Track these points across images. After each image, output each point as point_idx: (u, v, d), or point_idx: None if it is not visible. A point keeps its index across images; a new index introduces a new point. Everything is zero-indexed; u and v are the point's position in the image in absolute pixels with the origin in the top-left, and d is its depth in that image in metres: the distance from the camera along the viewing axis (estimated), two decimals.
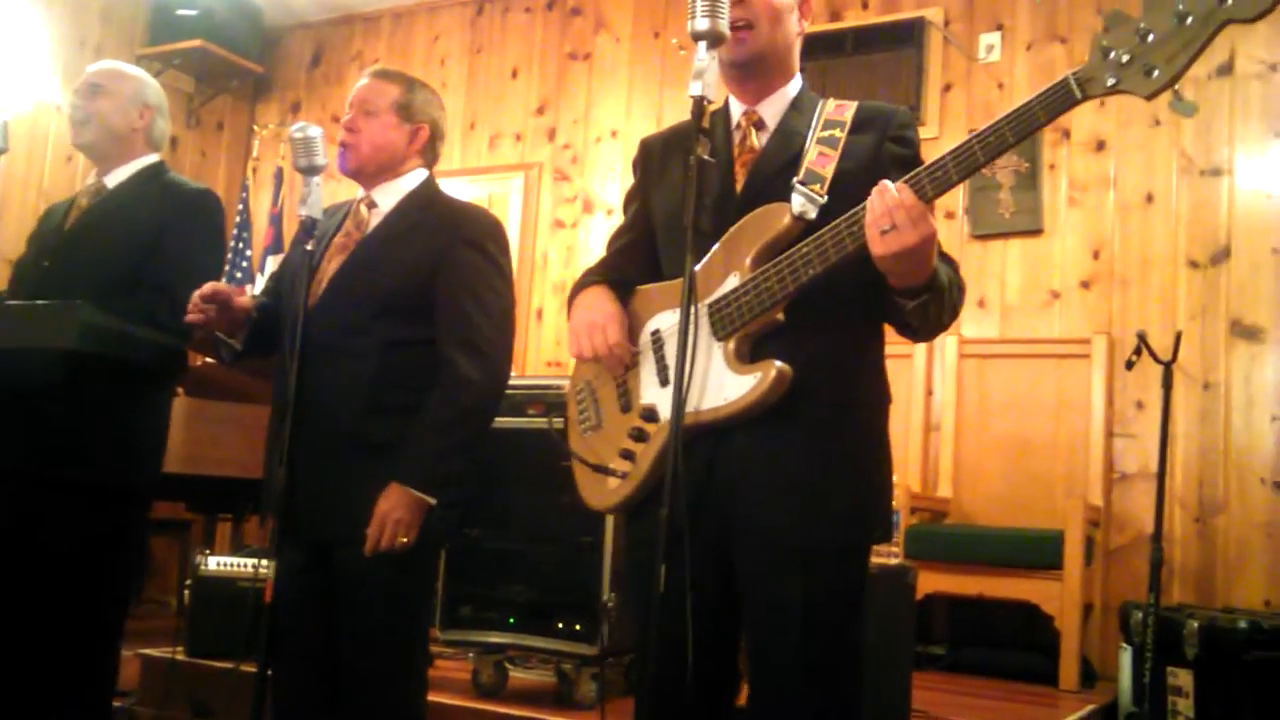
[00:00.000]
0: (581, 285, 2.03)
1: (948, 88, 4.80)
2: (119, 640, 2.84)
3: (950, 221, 4.63)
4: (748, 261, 1.78)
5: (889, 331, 1.89)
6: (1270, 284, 4.14)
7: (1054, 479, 4.32)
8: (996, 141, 1.59)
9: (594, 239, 5.52)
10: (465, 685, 3.39)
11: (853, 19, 4.99)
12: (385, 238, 2.43)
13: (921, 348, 4.55)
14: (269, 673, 2.25)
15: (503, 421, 2.63)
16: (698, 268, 1.80)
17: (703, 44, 1.68)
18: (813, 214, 1.76)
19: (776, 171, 1.85)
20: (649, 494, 1.83)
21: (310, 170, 2.35)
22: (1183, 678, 3.48)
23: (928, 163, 1.63)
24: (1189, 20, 1.48)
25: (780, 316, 1.76)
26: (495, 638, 3.38)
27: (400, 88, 2.51)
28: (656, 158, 2.06)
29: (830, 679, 1.76)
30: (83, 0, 5.77)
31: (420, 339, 2.36)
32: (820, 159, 1.82)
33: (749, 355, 1.77)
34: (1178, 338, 3.69)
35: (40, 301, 2.66)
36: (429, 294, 2.37)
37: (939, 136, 4.65)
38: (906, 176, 1.63)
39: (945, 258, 1.80)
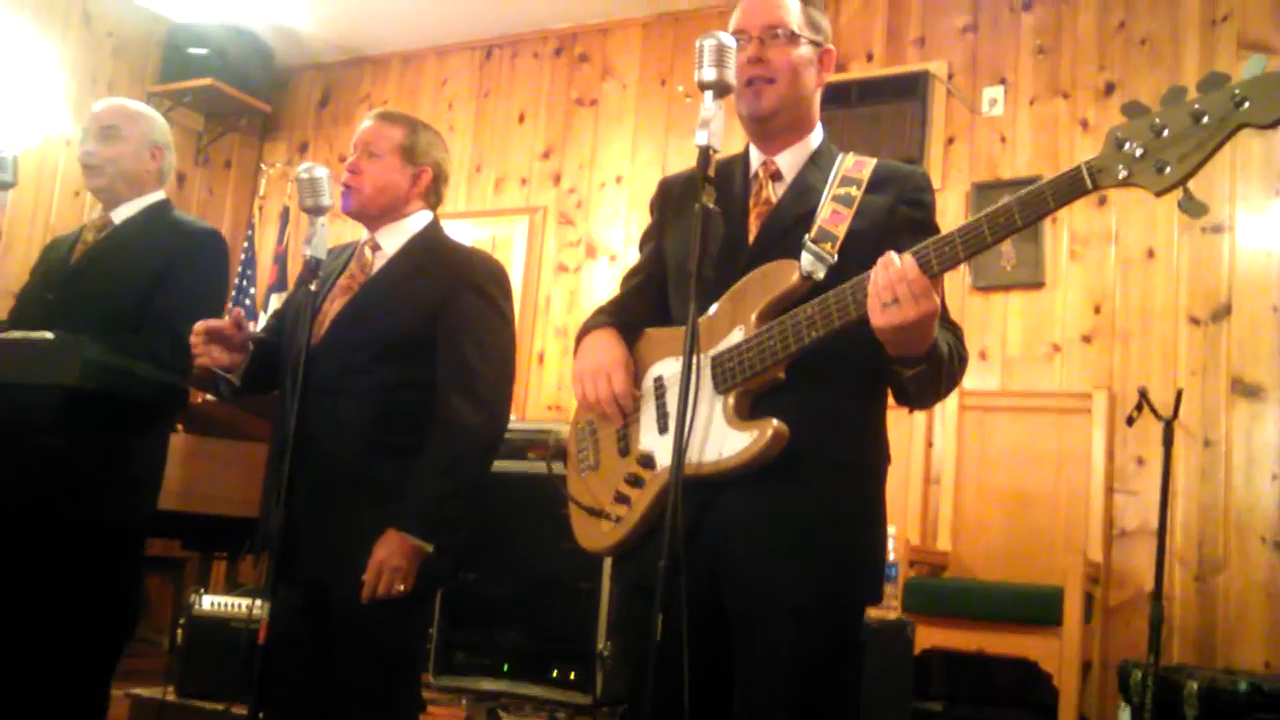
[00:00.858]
0: (590, 326, 2.03)
1: (951, 140, 4.83)
2: (109, 679, 2.81)
3: (952, 273, 4.64)
4: (753, 317, 1.78)
5: None
6: (1271, 342, 4.14)
7: (1054, 534, 4.29)
8: (1005, 223, 1.59)
9: (597, 283, 5.54)
10: None
11: (857, 71, 5.03)
12: (389, 281, 2.44)
13: None
14: (260, 715, 2.23)
15: (502, 465, 2.62)
16: (704, 318, 1.80)
17: (709, 93, 1.69)
18: (821, 274, 1.76)
19: (789, 225, 1.85)
20: (640, 540, 1.83)
21: (316, 210, 2.36)
22: None
23: (937, 237, 1.63)
24: (1204, 120, 1.49)
25: (781, 375, 1.76)
26: (488, 684, 3.36)
27: (404, 130, 2.53)
28: (674, 200, 2.07)
29: None
30: (95, 37, 5.82)
31: (421, 381, 2.36)
32: (833, 217, 1.83)
33: (749, 411, 1.77)
34: (1179, 395, 3.69)
35: (42, 336, 2.66)
36: (430, 337, 2.37)
37: (941, 188, 4.67)
38: (913, 249, 1.62)
39: (949, 325, 1.81)
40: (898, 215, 1.84)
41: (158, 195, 2.98)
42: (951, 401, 4.54)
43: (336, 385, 2.33)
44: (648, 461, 1.85)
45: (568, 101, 5.84)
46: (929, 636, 3.86)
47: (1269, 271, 4.19)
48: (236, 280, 5.89)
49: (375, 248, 2.50)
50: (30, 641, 2.65)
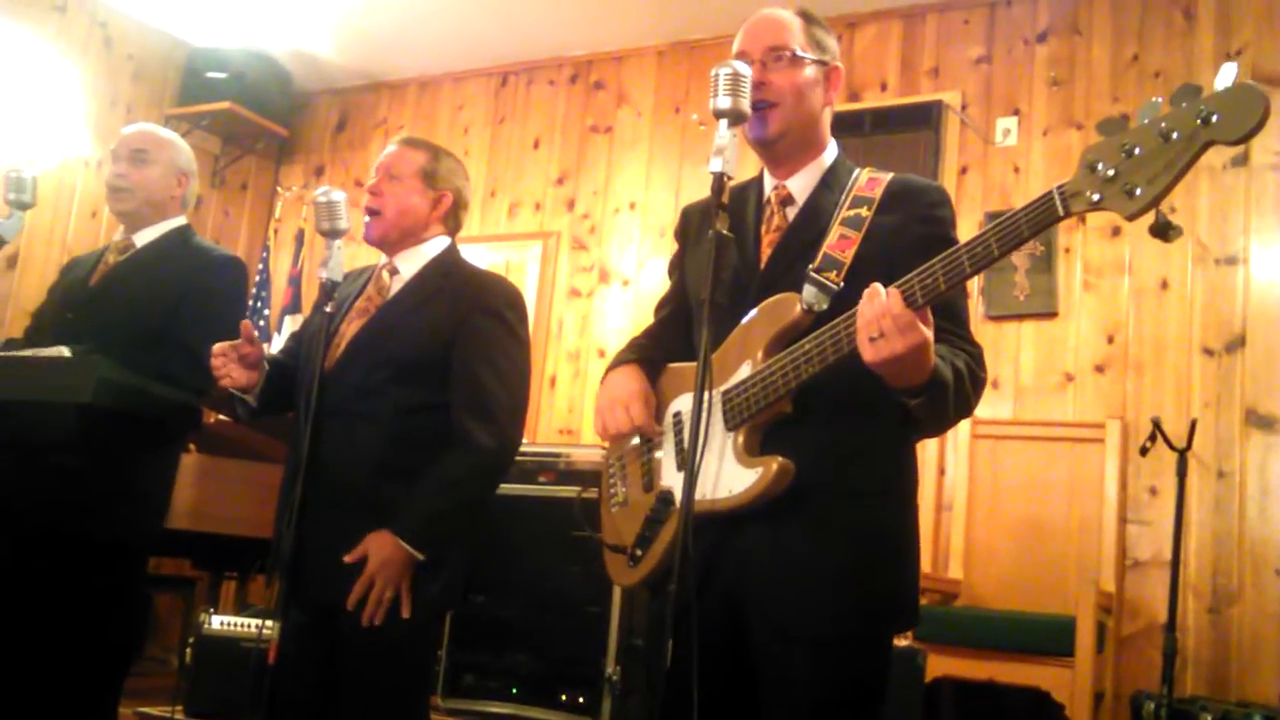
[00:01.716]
0: (614, 364, 2.03)
1: (964, 170, 4.84)
2: (116, 696, 2.82)
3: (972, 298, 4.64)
4: (760, 352, 1.78)
5: None
6: None
7: (1066, 563, 4.27)
8: (984, 254, 1.55)
9: (610, 308, 5.55)
10: None
11: (871, 100, 5.05)
12: (405, 304, 2.45)
13: None
14: None
15: (513, 488, 2.63)
16: (717, 352, 1.80)
17: (724, 121, 1.70)
18: (824, 305, 1.75)
19: (799, 251, 1.85)
20: (665, 574, 1.82)
21: (332, 234, 2.38)
22: None
23: (921, 268, 1.59)
24: (1174, 137, 1.43)
25: (787, 408, 1.75)
26: (497, 708, 3.35)
27: (426, 155, 2.56)
28: (694, 227, 2.07)
29: None
30: (116, 60, 5.88)
31: (435, 405, 2.37)
32: (840, 242, 1.81)
33: (759, 446, 1.76)
34: (1193, 425, 3.68)
35: (59, 353, 2.68)
36: (445, 360, 2.38)
37: (952, 203, 4.67)
38: (898, 282, 1.59)
39: (967, 346, 1.78)
40: (909, 234, 1.81)
41: (179, 220, 3.02)
42: (964, 430, 4.53)
43: (350, 407, 2.35)
44: (667, 498, 1.85)
45: (582, 128, 5.87)
46: (940, 665, 3.84)
47: None
48: (251, 302, 5.92)
49: (393, 271, 2.52)
50: (37, 657, 2.66)
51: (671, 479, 1.86)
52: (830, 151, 1.97)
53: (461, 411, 2.36)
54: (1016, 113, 4.80)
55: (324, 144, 6.64)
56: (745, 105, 1.72)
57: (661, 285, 2.25)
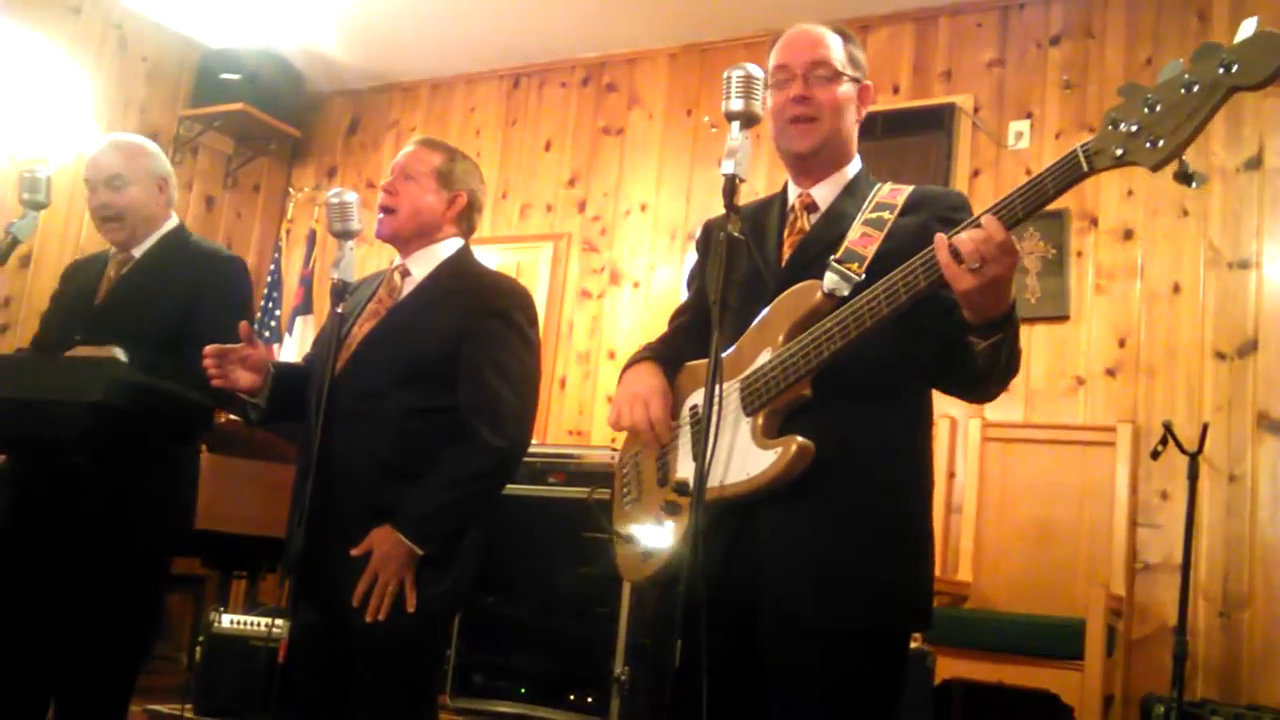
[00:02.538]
0: (633, 360, 2.04)
1: (976, 173, 4.84)
2: (128, 697, 2.82)
3: None
4: (780, 338, 1.79)
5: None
6: None
7: (1076, 567, 4.27)
8: (1007, 214, 1.60)
9: (620, 310, 5.56)
10: None
11: (884, 103, 5.04)
12: (415, 306, 2.46)
13: (945, 430, 4.53)
14: None
15: (523, 489, 2.63)
16: (735, 346, 1.81)
17: (736, 124, 1.71)
18: (845, 291, 1.76)
19: (820, 251, 1.87)
20: (679, 568, 1.82)
21: (344, 235, 2.39)
22: None
23: (1001, 199, 1.63)
24: (1195, 88, 1.47)
25: (806, 392, 1.76)
26: (505, 708, 3.36)
27: (442, 156, 2.57)
28: (716, 238, 2.09)
29: None
30: (130, 61, 5.91)
31: (441, 407, 2.37)
32: (863, 239, 1.84)
33: (777, 430, 1.77)
34: (1204, 429, 3.67)
35: (109, 353, 2.68)
36: (455, 362, 2.39)
37: (972, 211, 4.67)
38: (991, 206, 1.62)
39: None
40: (929, 232, 1.82)
41: (173, 222, 2.99)
42: (974, 432, 4.52)
43: (360, 409, 2.36)
44: (683, 489, 1.85)
45: (594, 130, 5.88)
46: (949, 667, 3.84)
47: None
48: (262, 303, 5.94)
49: (405, 273, 2.53)
50: (52, 657, 2.67)
51: (687, 470, 1.86)
52: (854, 165, 2.00)
53: (470, 412, 2.36)
54: (1029, 116, 4.79)
55: (336, 145, 6.66)
56: (758, 108, 1.73)
57: (672, 288, 2.26)
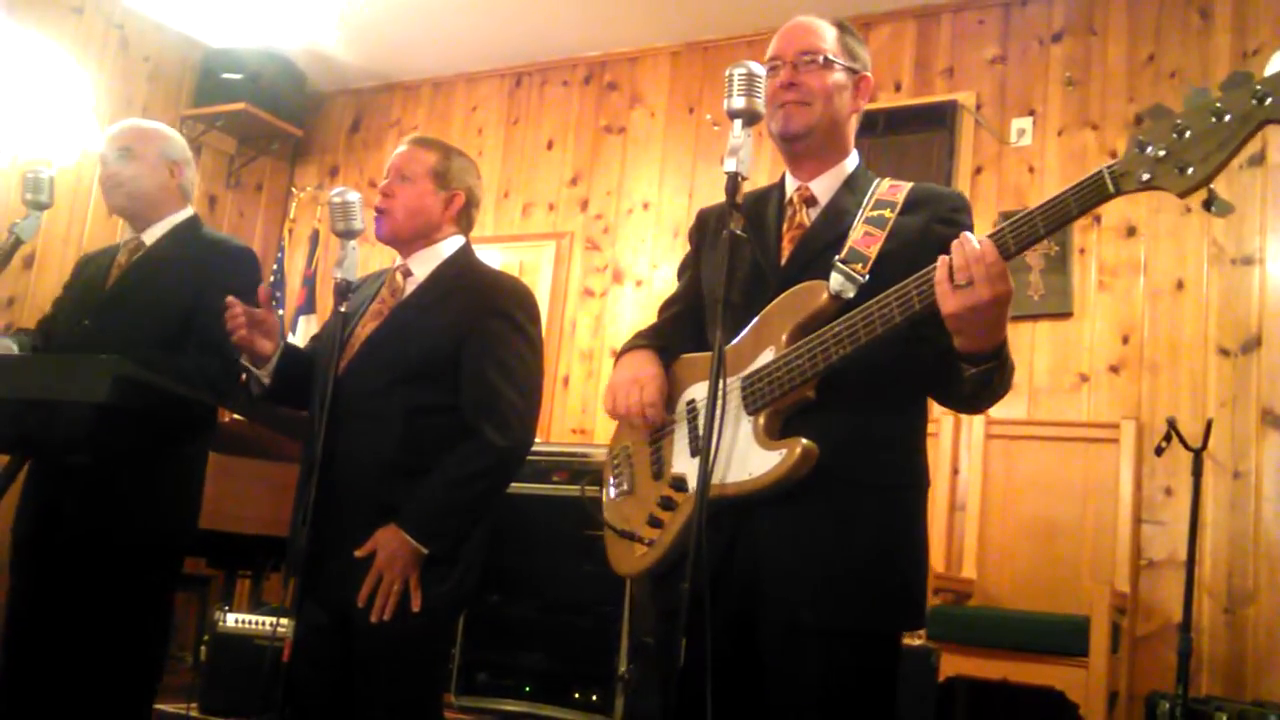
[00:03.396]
0: (628, 347, 2.04)
1: (979, 170, 4.83)
2: (151, 697, 2.81)
3: None
4: (783, 337, 1.78)
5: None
6: None
7: (1080, 564, 4.26)
8: (1029, 232, 1.58)
9: (623, 308, 5.56)
10: None
11: (885, 100, 5.05)
12: (418, 305, 2.46)
13: (948, 427, 4.53)
14: None
15: (527, 487, 2.63)
16: (735, 341, 1.81)
17: (738, 121, 1.71)
18: (851, 293, 1.76)
19: (821, 248, 1.86)
20: (673, 563, 1.83)
21: (347, 234, 2.39)
22: None
23: (1009, 221, 1.61)
24: (1226, 118, 1.46)
25: (811, 394, 1.75)
26: (510, 706, 3.36)
27: (437, 155, 2.56)
28: (710, 229, 2.09)
29: None
30: (132, 61, 5.91)
31: (444, 406, 2.38)
32: (865, 239, 1.83)
33: (779, 431, 1.77)
34: (1208, 425, 3.66)
35: (74, 356, 2.69)
36: (457, 361, 2.39)
37: (971, 211, 4.67)
38: (990, 233, 1.61)
39: None
40: (932, 234, 1.83)
41: (186, 213, 3.00)
42: (978, 429, 4.52)
43: (363, 408, 2.36)
44: (680, 484, 1.85)
45: (596, 128, 5.88)
46: (953, 664, 3.84)
47: None
48: (262, 286, 5.93)
49: (407, 273, 2.52)
50: (65, 661, 2.67)
51: (684, 465, 1.86)
52: (853, 159, 2.00)
53: (473, 412, 2.37)
54: (1032, 113, 4.79)
55: (338, 144, 6.67)
56: (760, 106, 1.73)
57: (673, 285, 2.25)
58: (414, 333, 2.43)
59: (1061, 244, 4.55)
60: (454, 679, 3.36)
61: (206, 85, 6.18)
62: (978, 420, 4.53)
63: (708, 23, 5.46)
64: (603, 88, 5.92)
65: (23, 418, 2.61)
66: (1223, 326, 4.28)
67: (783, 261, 1.89)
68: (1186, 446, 3.62)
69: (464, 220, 2.60)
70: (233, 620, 3.81)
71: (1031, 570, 4.33)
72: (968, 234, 1.61)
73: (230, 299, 2.40)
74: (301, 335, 5.94)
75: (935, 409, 1.92)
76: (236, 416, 4.20)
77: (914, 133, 4.88)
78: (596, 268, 5.70)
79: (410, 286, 2.51)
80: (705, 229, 2.11)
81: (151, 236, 2.95)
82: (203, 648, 3.90)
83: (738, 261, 1.68)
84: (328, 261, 6.03)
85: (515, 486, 2.44)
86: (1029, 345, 4.59)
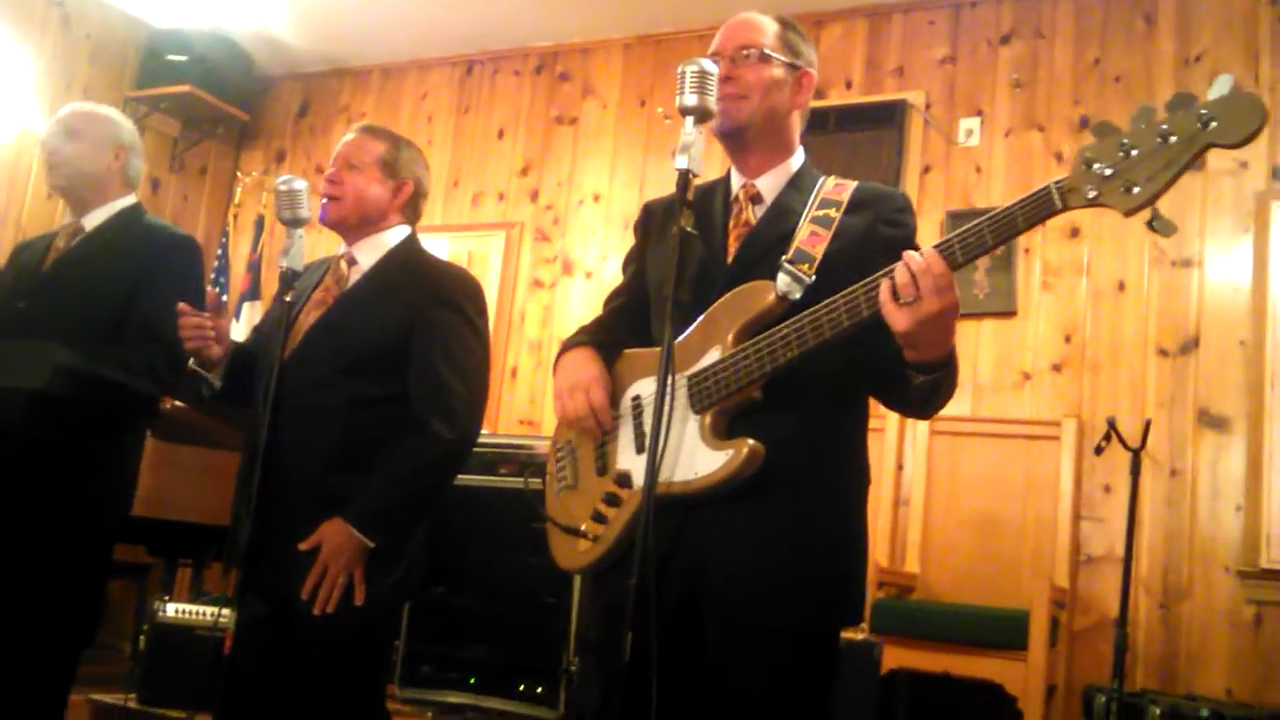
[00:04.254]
0: (569, 345, 2.04)
1: (927, 169, 4.88)
2: (68, 686, 2.78)
3: None
4: (730, 337, 1.79)
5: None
6: (1237, 375, 4.19)
7: (1021, 559, 4.33)
8: (977, 243, 1.60)
9: (572, 300, 5.55)
10: None
11: (836, 98, 5.08)
12: (363, 295, 2.44)
13: (894, 423, 4.58)
14: None
15: (473, 480, 2.62)
16: (682, 338, 1.81)
17: (690, 119, 1.71)
18: (797, 294, 1.77)
19: (767, 247, 1.86)
20: (617, 559, 1.83)
21: (294, 223, 2.36)
22: None
23: (955, 231, 1.63)
24: (1172, 139, 1.49)
25: (757, 395, 1.76)
26: (455, 698, 3.35)
27: (386, 144, 2.54)
28: (657, 223, 2.08)
29: None
30: (74, 40, 5.79)
31: (389, 396, 2.36)
32: (811, 238, 1.84)
33: (725, 430, 1.77)
34: (1147, 425, 3.73)
35: (13, 342, 2.64)
36: (403, 352, 2.37)
37: (916, 215, 4.71)
38: (936, 244, 1.62)
39: None
40: (876, 235, 1.84)
41: (128, 199, 2.96)
42: (922, 426, 4.57)
43: (307, 399, 2.33)
44: (625, 480, 1.85)
45: (547, 119, 5.86)
46: (895, 657, 3.88)
47: (1236, 306, 4.25)
48: (209, 288, 5.86)
49: (351, 261, 2.50)
50: None
51: (629, 462, 1.86)
52: (798, 157, 2.00)
53: (420, 404, 2.35)
54: (980, 114, 4.84)
55: (286, 129, 6.58)
56: (711, 103, 1.73)
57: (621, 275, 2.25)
58: (359, 322, 2.40)
59: (1007, 244, 4.60)
60: (398, 671, 3.34)
61: (151, 66, 6.08)
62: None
63: (660, 16, 5.46)
64: (554, 78, 5.89)
65: None
66: (1162, 328, 4.36)
67: (729, 259, 1.90)
68: (1125, 446, 3.68)
69: (411, 211, 2.58)
70: (172, 610, 3.76)
71: (973, 565, 4.39)
72: (910, 252, 1.62)
73: (181, 305, 2.36)
74: (246, 322, 5.87)
75: (881, 405, 1.94)
76: (178, 404, 4.14)
77: (864, 130, 4.92)
78: (546, 259, 5.69)
79: (355, 275, 2.48)
80: (651, 223, 2.11)
81: (92, 222, 2.90)
82: (141, 638, 3.85)
83: (687, 259, 1.68)
84: (273, 247, 5.97)
85: (461, 478, 2.43)
86: (974, 343, 4.65)
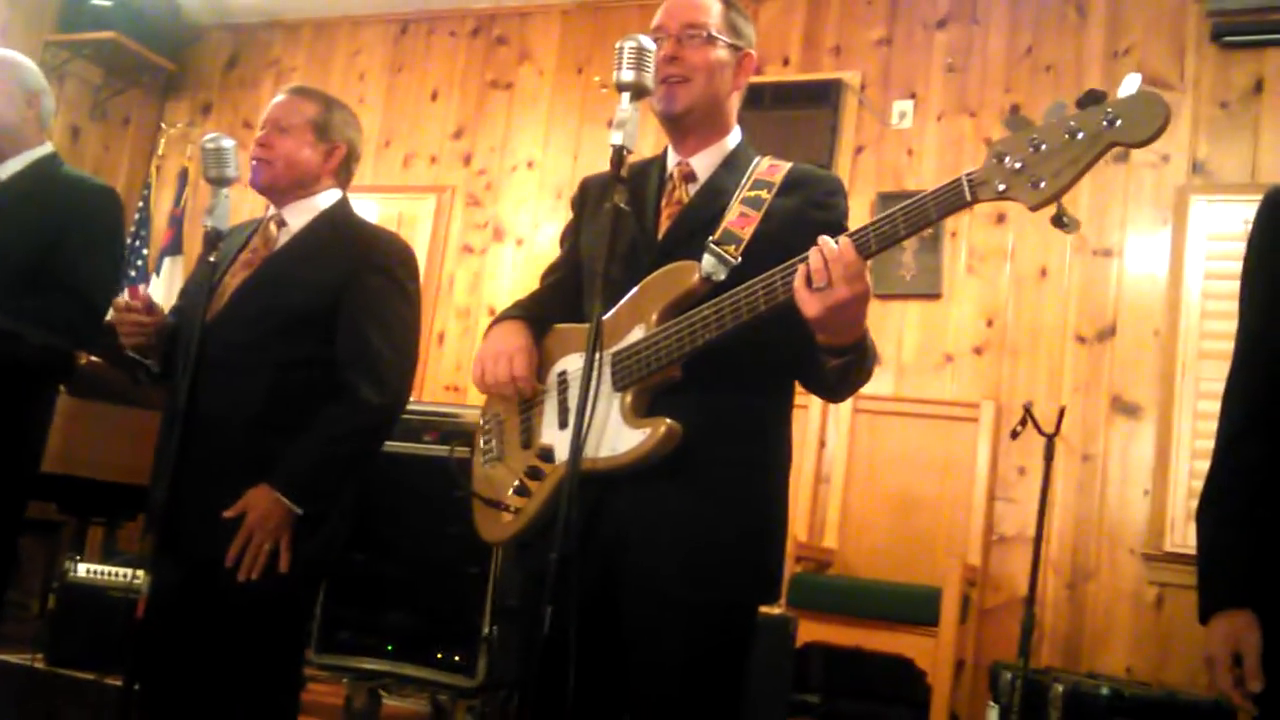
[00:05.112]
0: (501, 318, 2.03)
1: (859, 150, 4.92)
2: None
3: None
4: (654, 316, 1.79)
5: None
6: (1151, 364, 4.31)
7: (936, 537, 4.41)
8: (889, 232, 1.62)
9: (503, 267, 5.52)
10: (337, 712, 3.34)
11: (773, 74, 5.09)
12: (292, 257, 2.41)
13: (818, 401, 4.63)
14: (135, 687, 2.19)
15: (397, 447, 2.60)
16: (609, 315, 1.82)
17: (626, 95, 1.70)
18: (722, 275, 1.78)
19: (697, 227, 1.87)
20: (537, 533, 1.84)
21: (220, 181, 2.32)
22: None
23: (871, 220, 1.64)
24: (1079, 136, 1.51)
25: (677, 374, 1.77)
26: (371, 664, 3.34)
27: (318, 106, 2.50)
28: (592, 199, 2.08)
29: None
30: None
31: (318, 360, 2.34)
32: (740, 220, 1.84)
33: (646, 409, 1.78)
34: (1061, 413, 3.81)
35: None
36: (331, 316, 2.35)
37: (848, 195, 4.75)
38: (849, 232, 1.63)
39: None
40: (806, 218, 1.85)
41: (45, 149, 2.88)
42: (846, 404, 4.63)
43: (231, 360, 2.30)
44: (547, 455, 1.86)
45: (482, 83, 5.80)
46: (810, 631, 3.95)
47: (1153, 296, 4.36)
48: (130, 241, 5.71)
49: (281, 223, 2.46)
50: None
51: (552, 437, 1.87)
52: (734, 136, 2.00)
53: (348, 369, 2.33)
54: (913, 96, 4.89)
55: (213, 81, 6.43)
56: (649, 80, 1.73)
57: (556, 247, 2.24)
58: (287, 284, 2.37)
59: (934, 227, 4.67)
60: (314, 636, 3.32)
61: (72, 11, 5.89)
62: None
63: None
64: (491, 41, 5.83)
65: None
66: (1081, 315, 4.46)
67: (659, 236, 1.90)
68: (1040, 431, 3.76)
69: (343, 174, 2.54)
70: (84, 570, 3.69)
71: (890, 542, 4.47)
72: (825, 237, 1.63)
73: (118, 300, 2.31)
74: (166, 276, 5.75)
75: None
76: (95, 359, 4.05)
77: (799, 109, 4.94)
78: (477, 224, 5.64)
79: (284, 237, 2.45)
80: (587, 198, 2.10)
81: (6, 172, 2.81)
82: (51, 596, 3.77)
83: (619, 235, 1.68)
84: (196, 201, 5.84)
85: (385, 445, 2.41)
86: (899, 324, 4.71)
